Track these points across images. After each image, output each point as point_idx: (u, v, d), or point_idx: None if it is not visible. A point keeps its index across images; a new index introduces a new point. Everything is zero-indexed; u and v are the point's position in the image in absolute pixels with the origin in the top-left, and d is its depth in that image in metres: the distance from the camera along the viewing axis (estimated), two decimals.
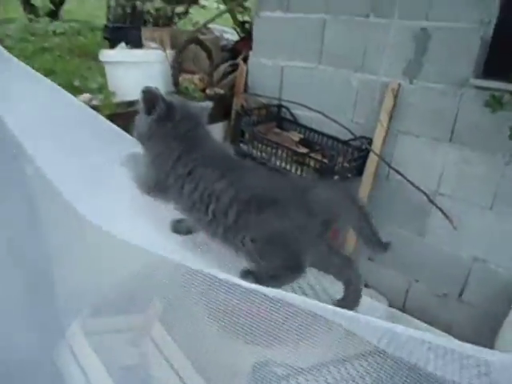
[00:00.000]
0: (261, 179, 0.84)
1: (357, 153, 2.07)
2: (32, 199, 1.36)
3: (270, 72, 2.44)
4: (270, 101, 2.46)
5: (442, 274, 2.12)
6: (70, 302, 1.49)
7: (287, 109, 2.39)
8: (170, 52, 2.14)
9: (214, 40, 2.51)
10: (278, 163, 2.01)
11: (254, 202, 0.77)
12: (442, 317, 2.14)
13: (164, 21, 2.77)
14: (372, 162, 2.03)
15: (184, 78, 2.05)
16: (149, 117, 0.84)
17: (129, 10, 2.61)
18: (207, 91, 2.08)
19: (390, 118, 1.98)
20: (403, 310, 2.29)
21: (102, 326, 1.62)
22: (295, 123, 2.38)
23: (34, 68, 1.02)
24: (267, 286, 0.73)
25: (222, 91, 2.14)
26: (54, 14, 5.06)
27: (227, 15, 3.20)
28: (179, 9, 3.17)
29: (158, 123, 0.84)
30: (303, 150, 2.12)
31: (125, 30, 2.62)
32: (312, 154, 1.85)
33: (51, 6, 5.14)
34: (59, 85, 1.05)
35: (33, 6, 5.07)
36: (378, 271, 2.38)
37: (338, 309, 0.65)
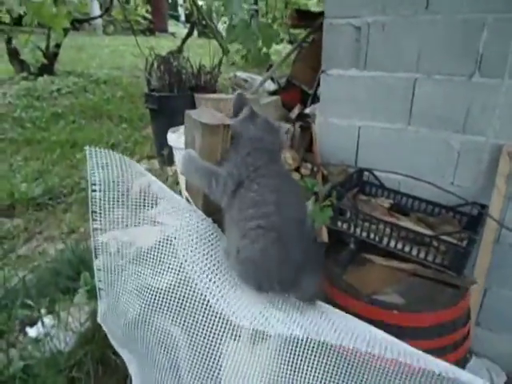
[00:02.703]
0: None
1: (466, 220, 1.90)
2: None
3: (342, 133, 2.25)
4: (344, 165, 2.26)
5: None
6: None
7: (370, 172, 2.20)
8: None
9: (276, 103, 2.30)
10: (391, 244, 1.80)
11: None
12: None
13: (211, 83, 2.53)
14: (491, 230, 1.85)
15: None
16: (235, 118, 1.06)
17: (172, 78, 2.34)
18: (302, 170, 1.85)
19: (506, 182, 1.82)
20: None
21: None
22: (381, 187, 2.19)
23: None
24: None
25: (315, 168, 1.91)
26: (47, 69, 4.67)
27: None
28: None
29: (243, 123, 1.06)
30: (409, 224, 1.92)
31: (172, 99, 2.35)
32: (443, 237, 1.65)
33: (44, 61, 4.75)
34: None
35: (23, 61, 4.66)
36: (488, 338, 2.20)
37: None
